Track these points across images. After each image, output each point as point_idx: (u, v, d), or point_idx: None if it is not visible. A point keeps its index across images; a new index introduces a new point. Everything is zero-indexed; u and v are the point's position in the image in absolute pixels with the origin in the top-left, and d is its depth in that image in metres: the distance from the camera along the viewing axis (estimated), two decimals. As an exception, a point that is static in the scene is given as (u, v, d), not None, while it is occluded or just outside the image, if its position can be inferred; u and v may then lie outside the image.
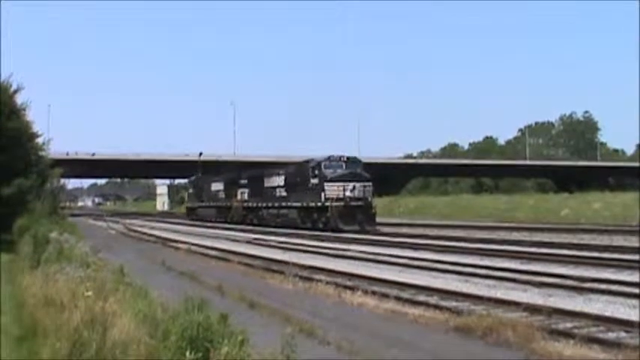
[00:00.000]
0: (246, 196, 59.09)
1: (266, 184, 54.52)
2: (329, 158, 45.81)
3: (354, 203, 42.81)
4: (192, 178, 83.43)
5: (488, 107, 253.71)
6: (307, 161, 48.24)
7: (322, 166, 44.98)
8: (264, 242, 34.12)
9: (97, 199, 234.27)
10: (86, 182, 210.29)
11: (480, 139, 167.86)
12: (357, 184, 43.53)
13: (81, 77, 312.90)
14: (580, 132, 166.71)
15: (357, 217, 42.59)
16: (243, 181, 60.38)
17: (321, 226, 43.95)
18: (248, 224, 54.40)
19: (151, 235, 43.90)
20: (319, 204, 44.21)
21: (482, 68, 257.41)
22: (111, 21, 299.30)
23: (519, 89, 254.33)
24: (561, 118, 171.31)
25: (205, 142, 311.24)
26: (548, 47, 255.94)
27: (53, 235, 18.64)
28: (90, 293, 8.60)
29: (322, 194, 43.76)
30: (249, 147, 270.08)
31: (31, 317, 10.26)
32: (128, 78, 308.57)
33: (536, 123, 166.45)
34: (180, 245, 32.80)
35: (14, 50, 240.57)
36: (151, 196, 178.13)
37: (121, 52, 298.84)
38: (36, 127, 42.40)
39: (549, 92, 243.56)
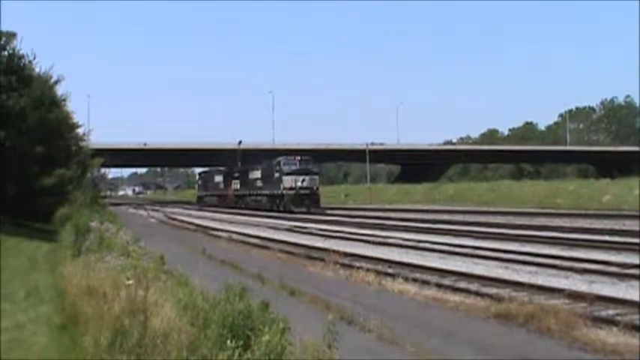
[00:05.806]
0: (238, 187, 73.55)
1: (250, 177, 69.14)
2: (286, 157, 60.41)
3: (302, 191, 57.14)
4: (201, 172, 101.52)
5: (528, 92, 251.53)
6: (273, 159, 62.17)
7: (281, 164, 59.30)
8: (304, 230, 34.18)
9: (137, 188, 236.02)
10: (126, 172, 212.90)
11: (520, 124, 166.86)
12: (307, 177, 57.93)
13: (122, 69, 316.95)
14: (621, 117, 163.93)
15: (304, 202, 56.30)
16: (236, 175, 75.14)
17: (281, 208, 57.35)
18: (238, 208, 67.56)
19: (191, 223, 44.29)
20: (279, 192, 58.57)
21: (521, 53, 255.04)
22: (153, 16, 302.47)
23: (559, 74, 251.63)
24: (602, 103, 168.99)
25: (245, 130, 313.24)
26: (588, 30, 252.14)
27: (94, 224, 18.81)
28: (131, 282, 8.62)
29: (281, 185, 58.12)
30: (289, 135, 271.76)
31: (72, 306, 10.33)
32: (169, 70, 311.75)
33: (576, 108, 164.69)
34: (220, 233, 33.04)
35: (57, 42, 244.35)
36: (191, 184, 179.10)
37: (161, 45, 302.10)
38: (76, 118, 43.08)
39: (590, 76, 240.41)
